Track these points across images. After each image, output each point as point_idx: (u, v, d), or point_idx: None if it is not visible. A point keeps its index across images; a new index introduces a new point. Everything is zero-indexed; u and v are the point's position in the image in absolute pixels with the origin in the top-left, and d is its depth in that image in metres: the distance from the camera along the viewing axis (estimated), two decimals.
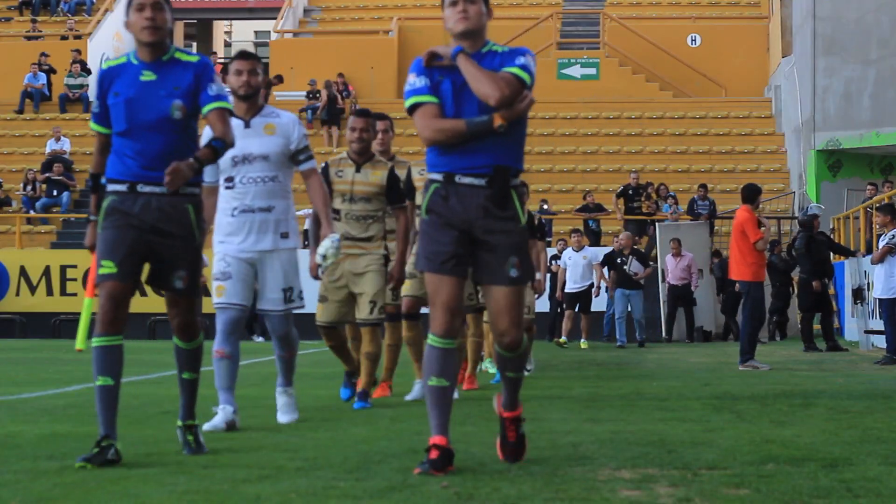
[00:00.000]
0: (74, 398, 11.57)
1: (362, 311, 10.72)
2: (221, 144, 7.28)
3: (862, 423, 9.23)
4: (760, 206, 19.72)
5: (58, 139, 36.59)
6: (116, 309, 7.13)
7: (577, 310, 26.60)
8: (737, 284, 19.06)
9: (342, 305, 10.80)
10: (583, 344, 26.07)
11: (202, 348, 7.61)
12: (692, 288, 28.42)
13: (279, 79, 36.53)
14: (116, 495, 5.96)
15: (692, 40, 40.33)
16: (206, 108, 7.31)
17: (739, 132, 36.90)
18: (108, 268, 7.17)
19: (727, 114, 37.60)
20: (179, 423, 7.59)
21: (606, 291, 27.39)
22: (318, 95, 38.09)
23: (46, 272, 31.34)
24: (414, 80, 6.92)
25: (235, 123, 9.06)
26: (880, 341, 20.75)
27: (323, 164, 10.89)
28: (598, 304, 27.54)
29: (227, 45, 65.36)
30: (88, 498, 5.90)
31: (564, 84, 39.37)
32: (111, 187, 7.28)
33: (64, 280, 31.24)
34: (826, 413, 10.14)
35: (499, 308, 6.90)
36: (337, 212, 10.76)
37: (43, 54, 40.19)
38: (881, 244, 19.32)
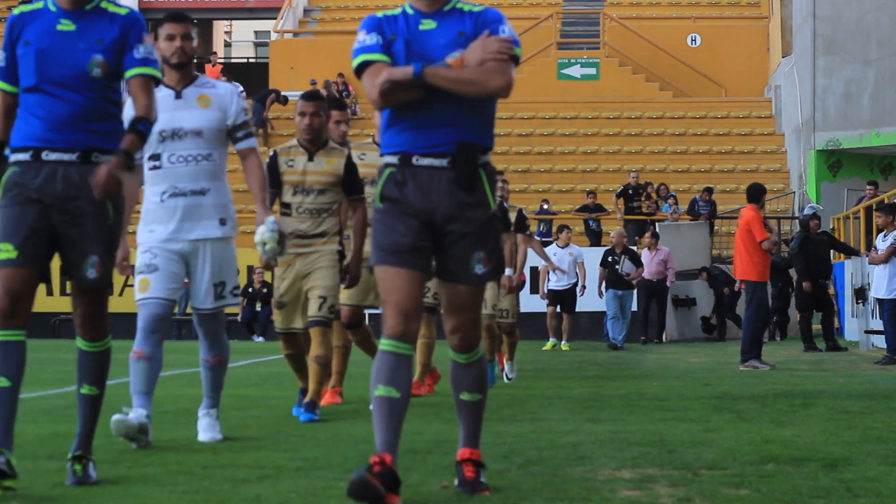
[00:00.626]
0: (74, 398, 11.54)
1: (311, 308, 9.73)
2: (147, 127, 6.21)
3: (862, 423, 9.23)
4: (764, 207, 19.68)
5: None
6: (15, 301, 6.15)
7: (559, 309, 25.31)
8: (737, 284, 19.06)
9: (302, 310, 9.94)
10: (564, 346, 24.79)
11: (110, 354, 6.54)
12: (667, 284, 27.24)
13: (283, 100, 36.57)
14: (116, 495, 5.96)
15: (692, 40, 40.33)
16: (128, 73, 6.27)
17: (739, 132, 36.90)
18: (6, 252, 6.18)
19: (727, 114, 37.60)
20: (69, 454, 6.48)
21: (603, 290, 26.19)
22: None
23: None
24: (364, 38, 5.92)
25: (165, 94, 7.99)
26: (880, 341, 20.74)
27: (271, 153, 9.93)
28: (588, 303, 26.43)
29: (227, 45, 65.36)
30: (88, 498, 5.90)
31: (564, 84, 39.37)
32: (13, 157, 6.28)
33: (65, 280, 31.20)
34: (826, 413, 10.14)
35: (455, 305, 5.98)
36: (287, 206, 9.84)
37: None
38: (883, 245, 19.30)
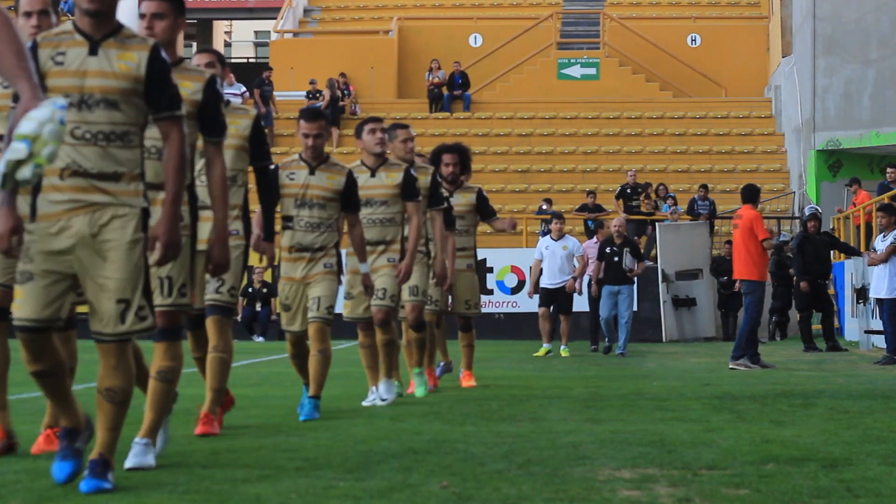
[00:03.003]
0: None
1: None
2: None
3: (862, 423, 9.23)
4: (760, 206, 19.68)
5: None
6: None
7: (553, 309, 22.47)
8: (737, 283, 19.05)
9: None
10: (563, 351, 21.76)
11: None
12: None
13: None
14: (116, 495, 5.95)
15: (692, 40, 40.34)
16: None
17: (739, 132, 36.90)
18: None
19: (727, 114, 37.60)
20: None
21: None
22: (318, 95, 38.08)
23: None
24: None
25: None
26: (880, 341, 20.75)
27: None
28: (586, 303, 23.93)
29: (227, 45, 65.36)
30: (88, 498, 5.90)
31: (564, 84, 39.37)
32: None
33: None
34: (826, 413, 10.14)
35: None
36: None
37: None
38: (882, 245, 19.30)
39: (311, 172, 9.93)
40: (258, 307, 29.84)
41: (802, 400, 11.44)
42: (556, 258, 22.26)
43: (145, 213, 6.19)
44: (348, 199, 9.98)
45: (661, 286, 28.83)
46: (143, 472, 6.71)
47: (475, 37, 40.92)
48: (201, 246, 7.83)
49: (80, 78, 6.11)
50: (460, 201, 13.44)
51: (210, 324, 8.64)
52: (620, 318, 21.75)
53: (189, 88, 7.28)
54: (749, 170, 34.97)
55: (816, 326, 24.27)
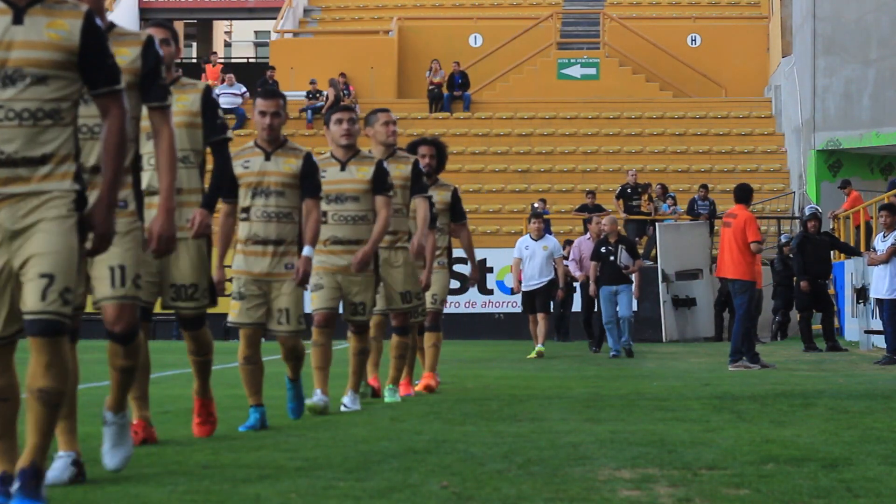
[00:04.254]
0: (80, 398, 11.54)
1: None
2: None
3: (862, 423, 9.23)
4: (760, 206, 19.66)
5: None
6: None
7: (533, 310, 21.77)
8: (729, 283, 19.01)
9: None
10: (538, 349, 21.14)
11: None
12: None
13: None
14: (116, 495, 5.96)
15: (692, 40, 40.34)
16: None
17: (739, 132, 36.91)
18: None
19: (727, 114, 37.61)
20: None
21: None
22: (318, 95, 38.09)
23: None
24: None
25: None
26: (880, 341, 20.75)
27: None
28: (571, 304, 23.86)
29: (227, 45, 65.38)
30: (88, 498, 5.90)
31: (564, 84, 39.38)
32: None
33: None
34: (826, 413, 10.14)
35: None
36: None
37: None
38: (882, 246, 19.29)
39: (267, 158, 9.21)
40: None
41: (802, 400, 11.44)
42: (536, 259, 21.66)
43: (80, 196, 5.52)
44: (307, 182, 9.18)
45: (661, 286, 28.83)
46: (143, 472, 6.71)
47: (475, 37, 40.92)
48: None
49: (4, 51, 5.41)
50: (436, 199, 12.69)
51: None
52: (621, 316, 21.00)
53: (127, 56, 6.57)
54: (749, 170, 34.98)
55: (816, 326, 24.28)
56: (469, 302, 30.52)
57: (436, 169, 12.84)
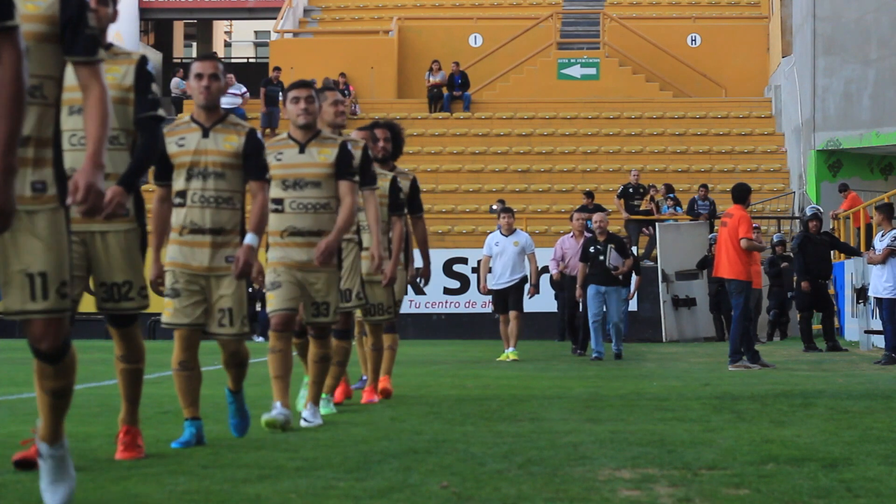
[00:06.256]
0: (74, 398, 11.53)
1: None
2: None
3: (862, 423, 9.23)
4: (750, 206, 19.62)
5: None
6: None
7: (504, 310, 20.44)
8: (726, 283, 19.01)
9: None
10: (511, 354, 19.87)
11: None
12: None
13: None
14: (116, 495, 5.96)
15: (692, 40, 40.35)
16: None
17: (739, 132, 36.91)
18: None
19: (727, 114, 37.61)
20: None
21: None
22: None
23: None
24: None
25: None
26: (880, 341, 20.75)
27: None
28: (545, 303, 23.21)
29: (227, 45, 65.37)
30: (88, 498, 5.90)
31: (564, 84, 39.38)
32: None
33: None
34: (826, 413, 10.14)
35: None
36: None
37: None
38: (881, 245, 19.30)
39: (205, 135, 8.06)
40: (258, 307, 29.84)
41: (802, 400, 11.44)
42: (506, 255, 20.38)
43: None
44: (251, 162, 8.03)
45: (661, 286, 28.83)
46: (143, 472, 6.71)
47: (475, 37, 40.92)
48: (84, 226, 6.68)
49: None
50: (400, 185, 11.62)
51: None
52: (609, 320, 20.06)
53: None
54: (749, 170, 34.98)
55: (817, 326, 24.28)
56: (469, 302, 30.52)
57: (392, 154, 11.77)
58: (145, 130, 7.16)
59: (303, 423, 9.29)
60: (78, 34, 5.43)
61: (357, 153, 9.86)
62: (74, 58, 5.44)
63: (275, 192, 9.13)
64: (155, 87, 7.27)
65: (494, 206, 32.09)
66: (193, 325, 8.02)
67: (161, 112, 7.28)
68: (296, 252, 9.14)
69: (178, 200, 8.06)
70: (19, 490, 6.09)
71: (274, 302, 9.13)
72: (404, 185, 11.77)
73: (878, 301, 19.61)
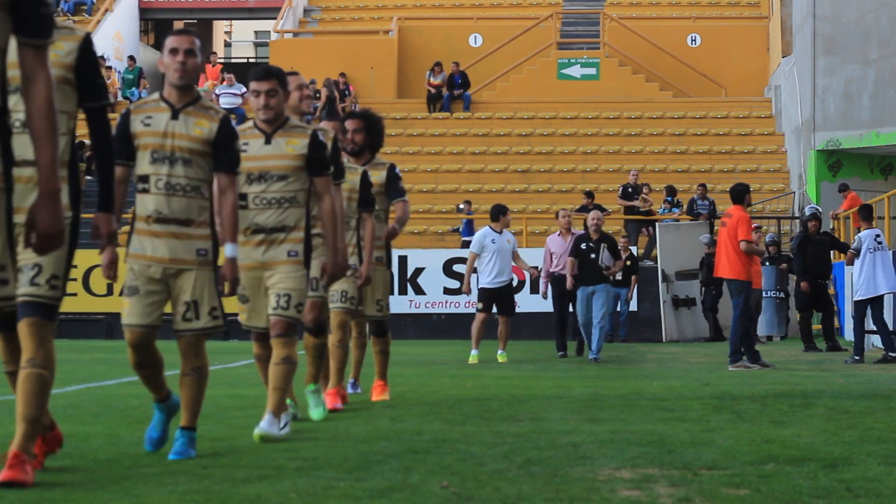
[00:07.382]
0: (74, 398, 11.56)
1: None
2: None
3: (862, 423, 9.23)
4: (751, 206, 19.61)
5: None
6: None
7: (495, 311, 19.92)
8: (724, 283, 19.01)
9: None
10: (500, 357, 19.69)
11: None
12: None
13: None
14: (116, 495, 5.96)
15: (692, 40, 40.35)
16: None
17: (739, 132, 36.91)
18: None
19: (727, 114, 37.61)
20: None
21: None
22: (317, 96, 38.08)
23: None
24: None
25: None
26: (880, 342, 20.75)
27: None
28: (545, 303, 22.23)
29: (227, 45, 65.37)
30: (88, 498, 5.90)
31: (564, 84, 39.38)
32: None
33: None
34: (826, 413, 10.14)
35: None
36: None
37: None
38: (852, 246, 19.49)
39: (175, 116, 7.42)
40: None
41: (802, 400, 11.44)
42: (502, 254, 19.70)
43: None
44: (221, 152, 7.44)
45: (661, 286, 28.83)
46: (143, 472, 6.70)
47: (475, 37, 40.92)
48: (19, 218, 5.97)
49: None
50: (372, 180, 11.04)
51: (23, 327, 6.35)
52: (594, 319, 19.40)
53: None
54: (749, 170, 34.98)
55: (816, 326, 24.28)
56: (469, 302, 30.48)
57: (370, 146, 11.16)
58: (95, 121, 6.51)
59: (256, 431, 8.36)
60: (33, 12, 4.85)
61: (327, 143, 8.96)
62: (23, 38, 4.87)
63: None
64: (102, 71, 6.67)
65: (461, 206, 32.22)
66: (149, 326, 7.45)
67: (109, 98, 6.62)
68: (255, 251, 8.51)
69: (141, 186, 7.43)
70: (19, 490, 6.08)
71: (251, 318, 8.69)
72: (380, 175, 11.25)
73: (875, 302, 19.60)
